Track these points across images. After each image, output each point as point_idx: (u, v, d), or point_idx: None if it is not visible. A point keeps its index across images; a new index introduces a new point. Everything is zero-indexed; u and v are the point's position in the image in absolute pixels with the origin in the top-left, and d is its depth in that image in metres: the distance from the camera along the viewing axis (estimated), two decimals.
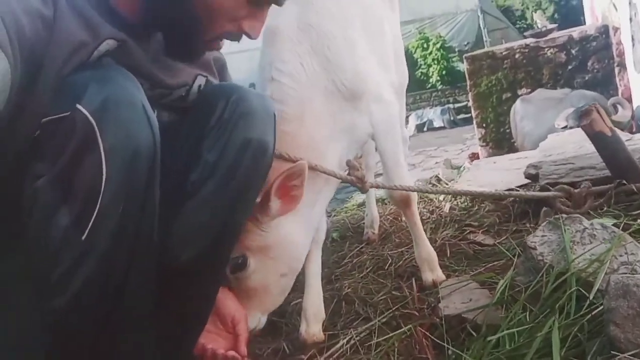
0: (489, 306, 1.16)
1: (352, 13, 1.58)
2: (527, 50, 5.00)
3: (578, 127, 1.84)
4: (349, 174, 1.55)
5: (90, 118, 0.84)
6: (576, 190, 1.63)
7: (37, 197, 0.86)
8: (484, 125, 5.23)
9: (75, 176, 0.85)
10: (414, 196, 1.65)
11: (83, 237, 0.85)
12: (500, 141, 5.11)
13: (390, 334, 1.33)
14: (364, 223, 2.41)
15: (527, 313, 1.09)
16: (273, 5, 1.08)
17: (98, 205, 0.85)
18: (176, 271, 1.06)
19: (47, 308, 0.88)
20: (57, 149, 0.85)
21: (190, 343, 1.15)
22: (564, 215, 1.25)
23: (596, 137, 1.68)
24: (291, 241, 1.38)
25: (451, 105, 10.98)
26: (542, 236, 1.20)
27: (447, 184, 2.61)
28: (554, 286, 1.08)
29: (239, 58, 6.37)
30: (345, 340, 1.42)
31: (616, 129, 1.72)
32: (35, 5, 0.86)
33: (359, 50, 1.53)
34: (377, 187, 1.68)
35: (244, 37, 1.07)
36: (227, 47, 1.12)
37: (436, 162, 5.32)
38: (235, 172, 1.07)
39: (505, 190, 1.91)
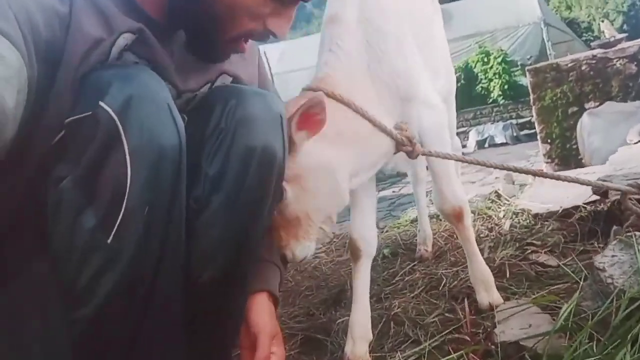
0: (550, 333, 1.04)
1: (406, 15, 1.54)
2: (594, 62, 4.75)
3: None
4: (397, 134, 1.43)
5: (114, 116, 0.81)
6: None
7: (62, 199, 0.84)
8: (549, 140, 4.99)
9: (100, 177, 0.83)
10: (467, 209, 1.55)
11: (109, 240, 0.83)
12: (567, 157, 4.85)
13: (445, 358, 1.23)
14: (416, 240, 2.31)
15: (594, 343, 0.97)
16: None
17: (124, 207, 0.82)
18: (200, 290, 1.02)
19: (74, 317, 0.85)
20: (80, 148, 0.83)
21: None
22: (637, 233, 1.12)
23: None
24: (324, 168, 1.29)
25: (514, 121, 10.61)
26: (612, 256, 1.08)
27: (507, 200, 2.47)
28: (625, 313, 0.95)
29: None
30: None
31: None
32: (51, 3, 0.84)
33: (410, 53, 1.48)
34: (429, 154, 1.47)
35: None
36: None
37: (496, 177, 5.13)
38: (241, 185, 0.99)
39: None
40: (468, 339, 1.32)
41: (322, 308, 1.93)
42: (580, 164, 4.47)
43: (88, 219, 0.83)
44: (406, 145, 1.41)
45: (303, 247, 1.26)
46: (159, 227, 0.87)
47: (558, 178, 1.37)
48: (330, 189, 1.31)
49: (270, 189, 1.03)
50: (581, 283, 1.23)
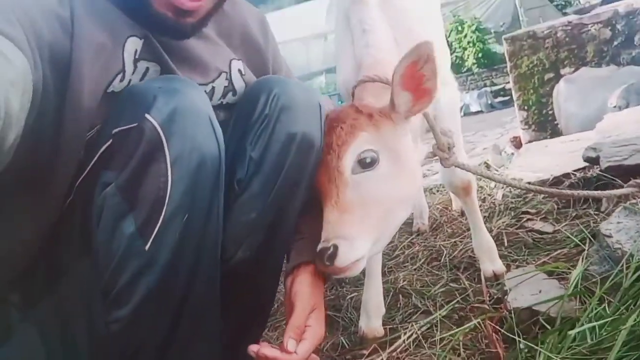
0: (563, 297, 1.10)
1: None
2: (569, 28, 4.80)
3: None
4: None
5: (159, 128, 0.85)
6: None
7: (105, 204, 0.87)
8: (526, 107, 5.05)
9: (142, 185, 0.86)
10: (474, 182, 1.61)
11: (146, 247, 0.86)
12: (543, 123, 4.94)
13: (457, 329, 1.29)
14: (412, 213, 2.36)
15: (606, 305, 1.03)
16: None
17: (162, 215, 0.85)
18: (230, 271, 1.05)
19: (110, 318, 0.89)
20: (125, 157, 0.86)
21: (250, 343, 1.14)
22: None
23: None
24: (414, 163, 1.18)
25: (488, 89, 10.71)
26: (618, 223, 1.14)
27: (497, 170, 2.53)
28: (635, 276, 1.02)
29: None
30: (406, 335, 1.39)
31: None
32: (51, 6, 0.86)
33: (430, 28, 1.51)
34: (462, 167, 1.37)
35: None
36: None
37: (484, 148, 5.20)
38: (281, 168, 1.04)
39: (580, 191, 1.82)
40: (483, 306, 1.37)
41: (328, 285, 1.98)
42: (556, 130, 4.57)
43: (128, 225, 0.86)
44: (444, 152, 1.32)
45: (364, 245, 1.01)
46: (196, 235, 0.90)
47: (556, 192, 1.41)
48: (414, 184, 1.17)
49: (307, 174, 1.07)
50: (586, 248, 1.30)
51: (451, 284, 1.67)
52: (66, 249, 0.95)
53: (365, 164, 1.06)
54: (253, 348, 0.93)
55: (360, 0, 1.44)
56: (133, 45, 0.95)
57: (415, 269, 1.88)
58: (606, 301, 1.05)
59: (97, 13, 0.91)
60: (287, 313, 1.04)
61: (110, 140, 0.89)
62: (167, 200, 0.85)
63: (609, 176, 1.74)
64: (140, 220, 0.86)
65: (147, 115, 0.85)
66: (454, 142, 1.35)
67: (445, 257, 1.88)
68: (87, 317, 0.93)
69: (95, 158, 0.90)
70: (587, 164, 1.96)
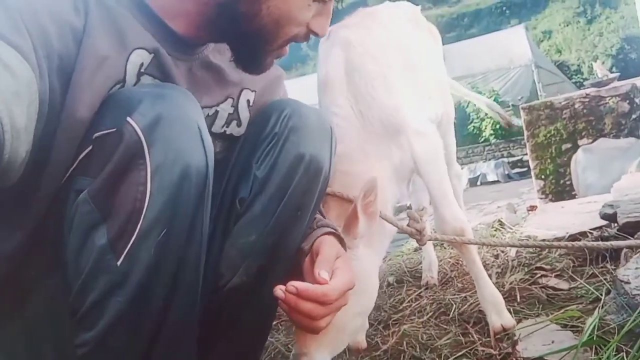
0: (577, 347, 1.02)
1: (392, 50, 1.60)
2: (587, 100, 4.84)
3: None
4: (408, 225, 1.52)
5: (140, 133, 0.77)
6: None
7: (76, 213, 0.79)
8: (543, 177, 5.03)
9: (117, 193, 0.78)
10: (469, 230, 1.55)
11: (118, 263, 0.77)
12: (561, 193, 4.88)
13: None
14: (421, 267, 2.29)
15: (624, 354, 0.95)
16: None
17: (138, 228, 0.77)
18: (224, 299, 0.99)
19: (78, 341, 0.80)
20: (101, 162, 0.79)
21: None
22: None
23: None
24: (370, 277, 1.32)
25: (505, 159, 10.71)
26: (636, 269, 1.07)
27: (511, 229, 2.47)
28: None
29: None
30: None
31: None
32: (66, 16, 0.81)
33: (398, 87, 1.53)
34: (436, 239, 1.61)
35: None
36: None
37: (498, 207, 5.13)
38: (286, 190, 0.98)
39: (578, 236, 1.77)
40: (491, 353, 1.28)
41: None
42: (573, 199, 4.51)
43: (100, 237, 0.78)
44: (416, 236, 1.50)
45: (322, 357, 1.18)
46: (175, 254, 0.81)
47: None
48: (370, 301, 1.31)
49: (313, 199, 1.02)
50: (602, 298, 1.22)
51: (459, 337, 1.58)
52: (36, 263, 0.87)
53: None
54: (278, 292, 0.85)
55: (327, 82, 1.52)
56: (139, 57, 0.89)
57: (422, 322, 1.79)
58: (624, 351, 0.97)
59: (110, 23, 0.86)
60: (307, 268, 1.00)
61: (91, 146, 0.81)
62: (144, 212, 0.77)
63: (626, 234, 1.67)
64: (113, 232, 0.77)
65: (128, 119, 0.77)
66: (424, 226, 1.51)
67: (454, 311, 1.79)
68: (54, 339, 0.86)
69: (74, 165, 0.82)
70: (604, 222, 1.90)
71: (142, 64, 0.90)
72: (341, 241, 1.09)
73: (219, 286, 1.00)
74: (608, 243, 1.31)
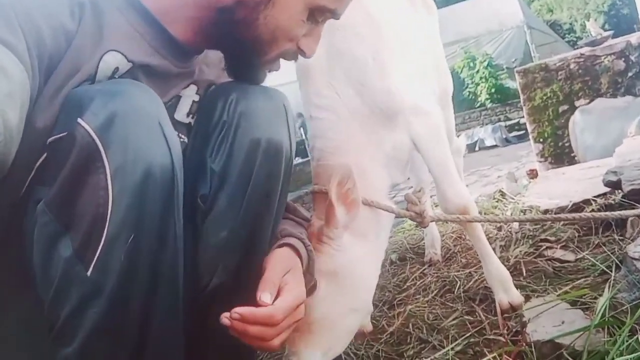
0: (590, 328, 0.99)
1: (381, 29, 1.49)
2: (582, 60, 4.76)
3: None
4: (407, 209, 1.48)
5: (93, 134, 0.72)
6: None
7: (37, 225, 0.75)
8: (541, 140, 4.98)
9: (77, 200, 0.73)
10: (473, 207, 1.50)
11: (88, 273, 0.73)
12: (560, 155, 4.84)
13: None
14: (424, 243, 2.26)
15: (638, 336, 0.92)
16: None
17: (104, 235, 0.73)
18: (208, 301, 0.95)
19: (59, 357, 0.76)
20: (55, 169, 0.74)
21: None
22: None
23: None
24: (362, 269, 1.29)
25: (502, 123, 10.64)
26: None
27: (513, 199, 2.43)
28: None
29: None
30: None
31: None
32: (60, 19, 0.79)
33: (390, 67, 1.45)
34: (439, 220, 1.55)
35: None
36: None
37: (498, 177, 5.12)
38: (248, 179, 0.94)
39: (582, 204, 1.73)
40: (500, 339, 1.26)
41: None
42: (573, 161, 4.47)
43: (65, 248, 0.73)
44: (417, 219, 1.46)
45: (312, 358, 1.17)
46: (148, 258, 0.77)
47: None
48: (365, 296, 1.30)
49: (279, 183, 0.98)
50: (612, 275, 1.18)
51: (466, 317, 1.55)
52: (8, 282, 0.83)
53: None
54: (224, 320, 0.82)
55: (305, 76, 1.44)
56: (115, 60, 0.85)
57: (427, 301, 1.76)
58: (638, 332, 0.93)
59: (98, 26, 0.84)
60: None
61: (45, 154, 0.77)
62: (108, 218, 0.73)
63: (632, 201, 1.63)
64: (78, 242, 0.73)
65: (79, 120, 0.73)
66: (423, 208, 1.46)
67: (459, 288, 1.76)
68: (34, 359, 0.82)
69: (32, 174, 0.78)
70: (608, 189, 1.86)
71: (117, 68, 0.86)
72: (297, 252, 1.04)
73: (199, 290, 0.96)
74: (616, 213, 1.27)
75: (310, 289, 1.13)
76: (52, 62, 0.77)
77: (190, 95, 1.03)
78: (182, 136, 1.01)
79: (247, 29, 0.92)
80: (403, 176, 1.57)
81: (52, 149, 0.76)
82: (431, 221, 1.51)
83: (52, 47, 0.77)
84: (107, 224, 0.73)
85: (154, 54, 0.92)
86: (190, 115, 1.03)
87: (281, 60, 1.03)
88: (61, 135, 0.75)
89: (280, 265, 0.97)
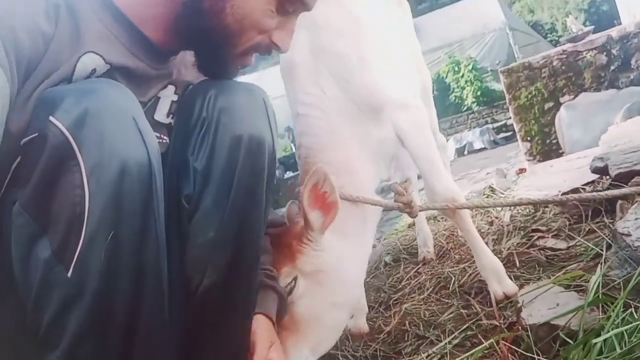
0: (583, 307, 0.98)
1: (363, 27, 1.51)
2: (565, 56, 4.81)
3: None
4: (395, 200, 1.49)
5: (66, 132, 0.71)
6: None
7: (13, 227, 0.73)
8: (529, 138, 5.01)
9: (52, 200, 0.72)
10: (461, 197, 1.51)
11: (69, 274, 0.71)
12: (548, 153, 4.86)
13: (471, 351, 1.17)
14: (417, 243, 2.25)
15: (633, 310, 0.91)
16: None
17: (83, 235, 0.71)
18: (202, 298, 0.94)
19: None
20: (29, 170, 0.73)
21: None
22: None
23: None
24: (343, 266, 1.30)
25: (490, 126, 10.70)
26: (636, 219, 1.03)
27: (503, 193, 2.43)
28: None
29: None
30: None
31: None
32: (37, 22, 0.78)
33: (373, 63, 1.47)
34: (427, 209, 1.58)
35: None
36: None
37: (487, 173, 5.13)
38: (232, 175, 0.92)
39: (571, 193, 1.73)
40: (496, 324, 1.25)
41: None
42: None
43: (43, 249, 0.72)
44: (405, 209, 1.47)
45: (300, 355, 1.19)
46: (130, 257, 0.75)
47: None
48: (349, 292, 1.31)
49: (263, 178, 0.96)
50: (604, 253, 1.18)
51: (462, 310, 1.54)
52: None
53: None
54: None
55: (290, 74, 1.46)
56: (92, 62, 0.84)
57: (422, 299, 1.75)
58: (632, 306, 0.93)
59: (75, 29, 0.83)
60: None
61: (20, 156, 0.76)
62: (86, 217, 0.71)
63: (621, 185, 1.63)
64: (57, 242, 0.72)
65: (51, 118, 0.72)
66: (410, 198, 1.48)
67: (454, 284, 1.75)
68: None
69: (8, 177, 0.76)
70: (596, 176, 1.86)
71: (94, 70, 0.85)
72: (272, 320, 1.12)
73: (191, 292, 0.94)
74: (602, 193, 1.27)
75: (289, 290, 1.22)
76: (30, 66, 0.76)
77: (168, 96, 1.02)
78: (164, 137, 1.00)
79: (215, 18, 0.91)
80: (388, 172, 1.57)
81: (25, 150, 0.74)
82: (420, 210, 1.51)
83: (30, 51, 0.76)
84: (85, 222, 0.71)
85: (130, 56, 0.92)
86: (170, 116, 1.02)
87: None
88: (34, 135, 0.73)
89: (267, 341, 1.06)
